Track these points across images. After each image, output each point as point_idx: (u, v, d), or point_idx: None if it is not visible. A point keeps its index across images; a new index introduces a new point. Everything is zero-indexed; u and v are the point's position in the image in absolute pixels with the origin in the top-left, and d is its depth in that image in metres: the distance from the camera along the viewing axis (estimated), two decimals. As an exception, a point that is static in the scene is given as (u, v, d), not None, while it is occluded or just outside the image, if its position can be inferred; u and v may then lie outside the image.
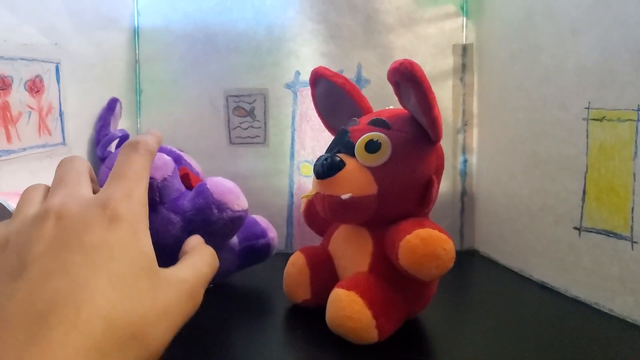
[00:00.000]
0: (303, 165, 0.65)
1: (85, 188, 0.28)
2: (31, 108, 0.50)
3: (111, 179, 0.28)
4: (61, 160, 0.31)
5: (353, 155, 0.39)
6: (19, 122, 0.49)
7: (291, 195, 0.65)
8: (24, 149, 0.49)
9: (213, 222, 0.43)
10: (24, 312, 0.20)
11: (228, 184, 0.45)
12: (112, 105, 0.60)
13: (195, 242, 0.35)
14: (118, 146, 0.56)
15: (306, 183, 0.65)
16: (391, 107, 0.44)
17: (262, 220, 0.53)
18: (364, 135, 0.39)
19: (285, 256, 0.50)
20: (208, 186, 0.43)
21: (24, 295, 0.21)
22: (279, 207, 0.65)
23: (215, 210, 0.43)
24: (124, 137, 0.56)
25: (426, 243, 0.35)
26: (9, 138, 0.47)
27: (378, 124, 0.40)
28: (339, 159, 0.39)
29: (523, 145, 0.54)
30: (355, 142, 0.39)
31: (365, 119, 0.42)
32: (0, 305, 0.21)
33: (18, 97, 0.48)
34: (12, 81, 0.48)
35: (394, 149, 0.38)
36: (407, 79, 0.34)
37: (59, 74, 0.53)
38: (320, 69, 0.46)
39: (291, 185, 0.65)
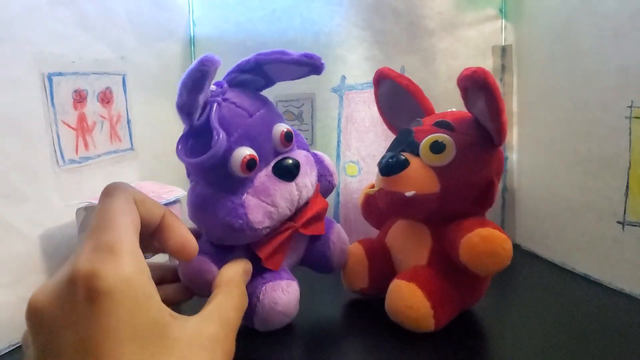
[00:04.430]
0: (348, 165, 0.68)
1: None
2: (103, 117, 0.54)
3: (86, 240, 0.24)
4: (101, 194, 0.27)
5: (417, 154, 0.42)
6: (94, 130, 0.53)
7: (337, 195, 0.68)
8: (99, 156, 0.53)
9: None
10: None
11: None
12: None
13: (228, 277, 0.34)
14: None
15: (352, 183, 0.67)
16: (454, 109, 0.46)
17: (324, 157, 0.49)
18: (429, 136, 0.41)
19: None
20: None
21: None
22: (325, 205, 0.68)
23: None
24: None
25: (486, 241, 0.38)
26: (86, 146, 0.52)
27: (443, 125, 0.43)
28: (403, 157, 0.42)
29: (564, 144, 0.56)
30: (419, 142, 0.42)
31: (429, 120, 0.44)
32: None
33: (92, 108, 0.53)
34: (87, 94, 0.52)
35: (458, 151, 0.41)
36: (480, 87, 0.36)
37: (125, 84, 0.57)
38: (385, 69, 0.49)
39: (337, 185, 0.68)
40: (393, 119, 0.52)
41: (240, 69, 0.41)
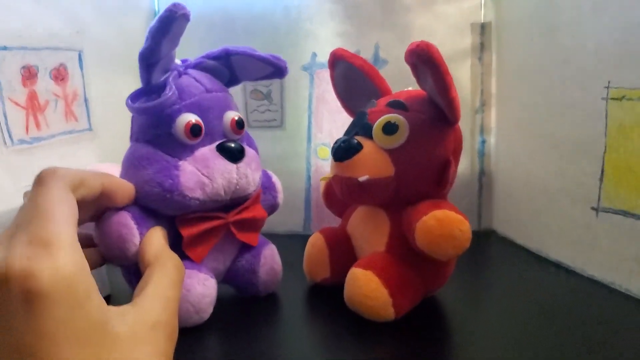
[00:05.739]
0: (320, 148, 0.65)
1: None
2: (57, 96, 0.52)
3: (17, 233, 0.22)
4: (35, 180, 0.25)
5: (371, 137, 0.40)
6: (47, 110, 0.50)
7: (308, 178, 0.66)
8: (53, 136, 0.51)
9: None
10: None
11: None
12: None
13: (157, 250, 0.32)
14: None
15: (323, 166, 0.65)
16: (410, 88, 0.44)
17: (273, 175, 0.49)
18: (382, 117, 0.40)
19: (302, 238, 0.51)
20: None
21: None
22: (297, 190, 0.66)
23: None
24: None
25: (442, 224, 0.36)
26: (38, 125, 0.49)
27: (396, 105, 0.41)
28: (356, 141, 0.40)
29: (542, 126, 0.54)
30: (373, 124, 0.40)
31: (383, 101, 0.42)
32: None
33: (44, 85, 0.50)
34: (38, 70, 0.49)
35: (412, 131, 0.39)
36: (424, 61, 0.34)
37: (82, 61, 0.55)
38: (339, 50, 0.46)
39: (308, 168, 0.66)
40: (350, 102, 0.49)
41: (208, 56, 0.43)
